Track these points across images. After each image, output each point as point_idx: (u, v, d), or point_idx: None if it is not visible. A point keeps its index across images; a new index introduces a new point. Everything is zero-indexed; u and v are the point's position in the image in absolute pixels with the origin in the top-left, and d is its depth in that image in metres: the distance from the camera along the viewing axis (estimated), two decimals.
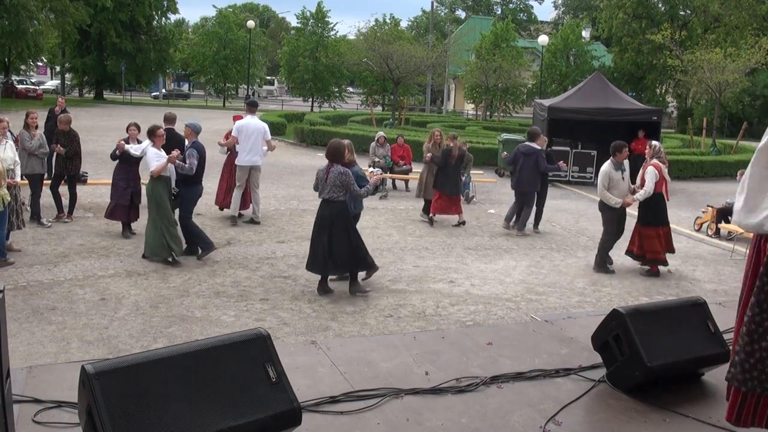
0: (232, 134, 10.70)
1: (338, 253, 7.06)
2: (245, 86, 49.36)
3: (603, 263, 8.93)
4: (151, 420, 2.86)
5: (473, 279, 8.24)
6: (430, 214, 11.51)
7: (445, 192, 11.23)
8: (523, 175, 10.86)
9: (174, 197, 8.55)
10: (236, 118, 11.42)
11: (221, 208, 11.22)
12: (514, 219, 11.10)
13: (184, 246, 8.47)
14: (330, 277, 7.44)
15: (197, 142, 8.77)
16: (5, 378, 3.06)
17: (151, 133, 8.61)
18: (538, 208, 11.36)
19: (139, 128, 9.82)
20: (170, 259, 8.15)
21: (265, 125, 10.81)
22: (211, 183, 11.27)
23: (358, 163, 8.08)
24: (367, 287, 7.44)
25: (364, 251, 7.30)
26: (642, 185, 8.70)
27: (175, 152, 8.29)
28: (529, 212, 11.10)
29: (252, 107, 10.93)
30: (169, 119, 9.83)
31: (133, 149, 9.12)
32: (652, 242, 8.73)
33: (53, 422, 3.55)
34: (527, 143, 11.14)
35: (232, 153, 10.89)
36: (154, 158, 8.33)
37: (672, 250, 8.94)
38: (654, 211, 8.73)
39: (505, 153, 12.71)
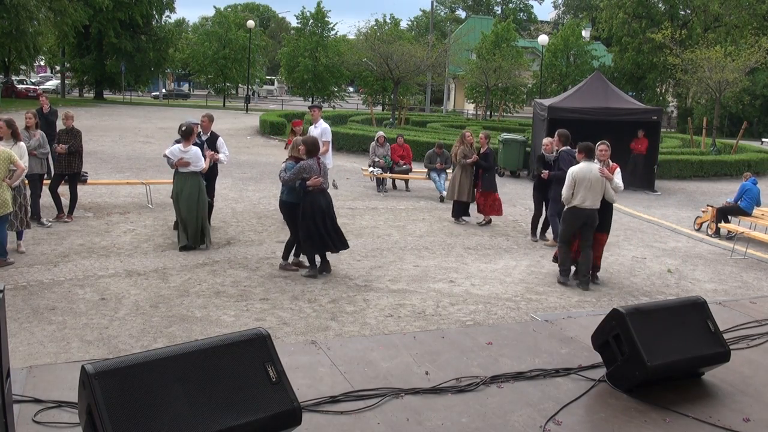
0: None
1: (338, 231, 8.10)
2: (245, 86, 49.38)
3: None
4: (151, 420, 2.87)
5: (473, 279, 8.24)
6: (484, 217, 11.63)
7: (494, 190, 11.56)
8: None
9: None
10: (296, 123, 11.77)
11: None
12: (548, 231, 10.59)
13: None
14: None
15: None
16: (5, 378, 3.06)
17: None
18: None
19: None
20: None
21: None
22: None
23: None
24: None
25: None
26: None
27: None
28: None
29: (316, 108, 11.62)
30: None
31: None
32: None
33: (53, 422, 3.56)
34: (568, 149, 9.88)
35: None
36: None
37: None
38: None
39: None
